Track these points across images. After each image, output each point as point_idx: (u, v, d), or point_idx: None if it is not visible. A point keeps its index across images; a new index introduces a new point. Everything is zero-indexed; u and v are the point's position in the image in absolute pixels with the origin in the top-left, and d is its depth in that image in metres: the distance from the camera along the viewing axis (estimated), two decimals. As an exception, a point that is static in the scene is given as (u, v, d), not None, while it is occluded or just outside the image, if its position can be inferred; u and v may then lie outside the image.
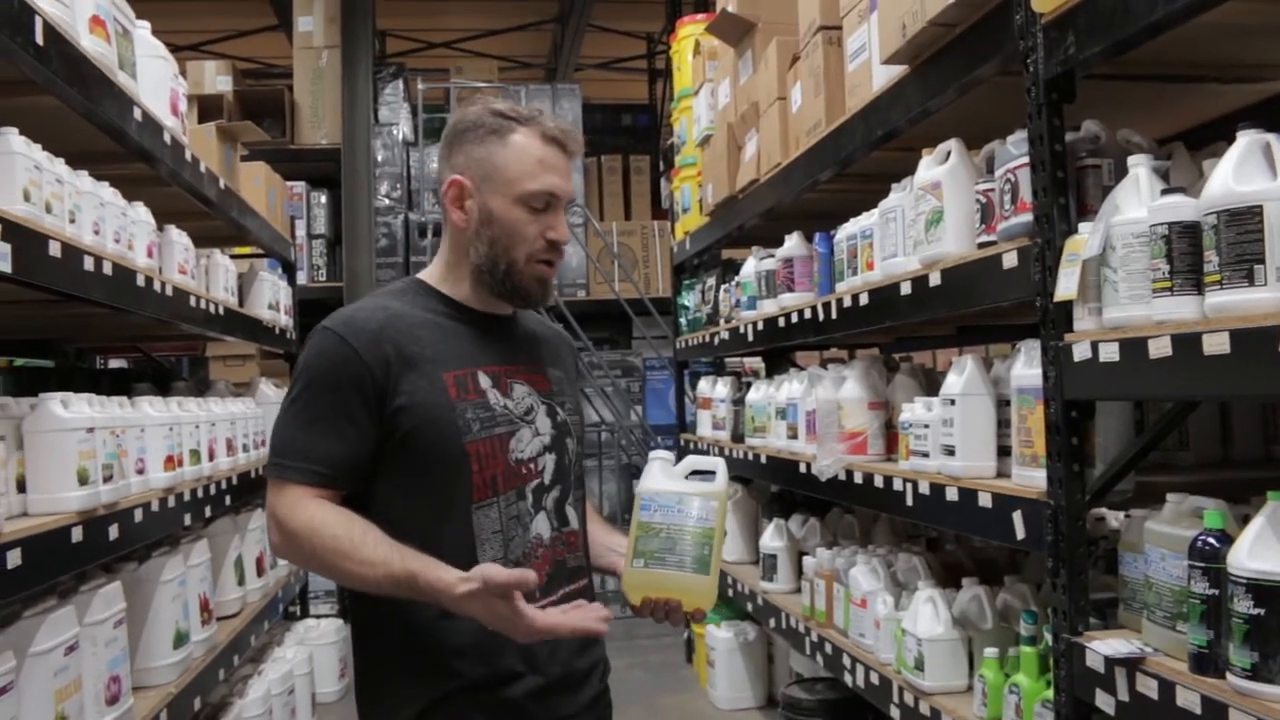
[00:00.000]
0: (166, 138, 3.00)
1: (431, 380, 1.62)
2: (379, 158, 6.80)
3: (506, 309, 1.79)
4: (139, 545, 2.79)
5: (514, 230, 1.68)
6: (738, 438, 4.54)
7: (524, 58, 10.23)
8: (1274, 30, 1.99)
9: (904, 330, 4.44)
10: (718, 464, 1.63)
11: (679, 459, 1.69)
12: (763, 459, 4.07)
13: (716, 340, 4.80)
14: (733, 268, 5.02)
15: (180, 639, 3.05)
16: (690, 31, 5.13)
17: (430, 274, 1.79)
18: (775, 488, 4.66)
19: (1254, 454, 2.52)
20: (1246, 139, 1.62)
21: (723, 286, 4.89)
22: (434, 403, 1.61)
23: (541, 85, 8.00)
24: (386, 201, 6.86)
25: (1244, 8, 1.75)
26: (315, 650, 4.71)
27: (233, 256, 4.09)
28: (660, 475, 1.63)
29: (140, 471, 2.82)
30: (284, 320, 4.74)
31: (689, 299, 5.72)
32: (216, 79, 6.04)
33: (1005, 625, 2.68)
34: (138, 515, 2.71)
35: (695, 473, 1.63)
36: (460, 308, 1.74)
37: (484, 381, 1.67)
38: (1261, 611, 1.54)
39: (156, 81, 3.05)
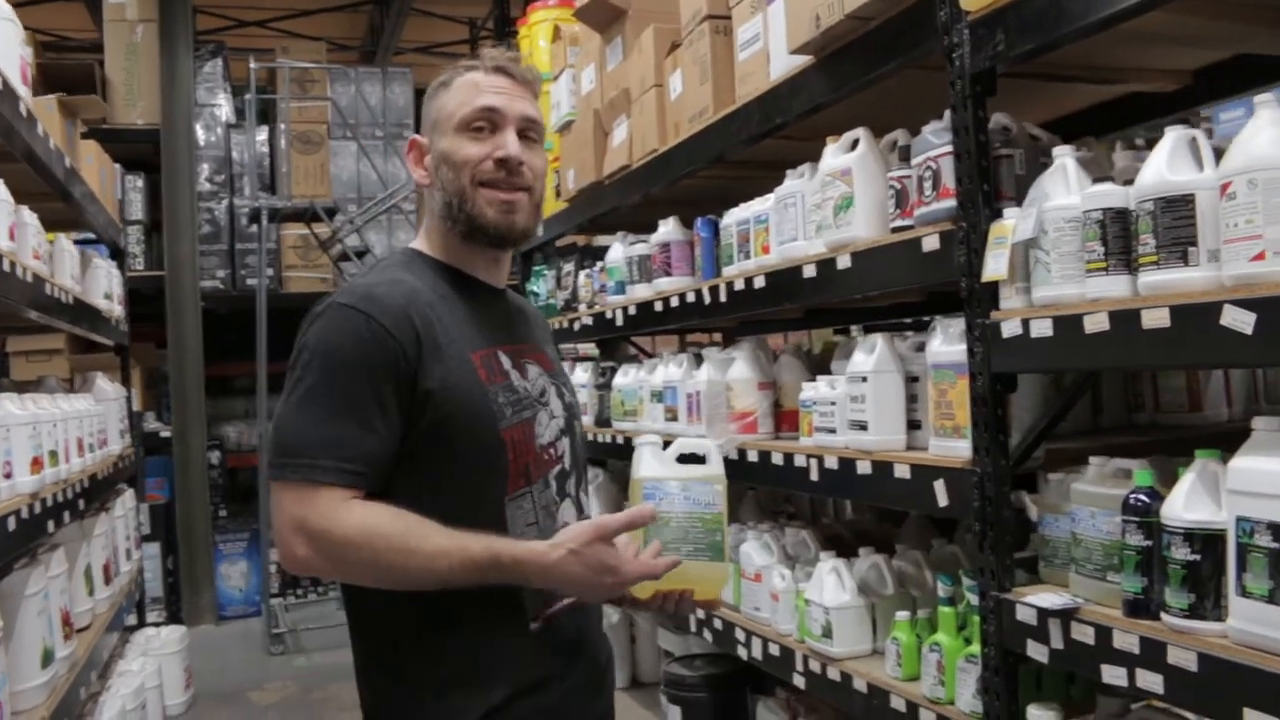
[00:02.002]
0: (22, 109, 2.75)
1: (461, 361, 1.52)
2: (200, 140, 6.42)
3: (499, 277, 1.71)
4: (10, 557, 2.57)
5: (459, 159, 1.61)
6: (603, 422, 4.57)
7: (340, 39, 9.87)
8: (1167, 37, 2.20)
9: (766, 315, 4.58)
10: (708, 446, 1.63)
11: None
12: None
13: (578, 326, 4.81)
14: (591, 253, 5.04)
15: (47, 657, 2.82)
16: (544, 16, 5.11)
17: (421, 244, 1.70)
18: (637, 471, 4.72)
19: (1119, 421, 2.77)
20: (1175, 134, 1.79)
21: (583, 272, 4.90)
22: (467, 386, 1.51)
23: (372, 69, 7.76)
24: (209, 186, 6.49)
25: (1165, 17, 1.92)
26: (162, 661, 4.44)
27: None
28: (655, 462, 1.59)
29: (8, 476, 2.60)
30: (118, 310, 4.43)
31: (539, 285, 5.69)
32: (19, 49, 5.53)
33: (903, 590, 2.84)
34: (10, 524, 2.50)
35: (684, 456, 1.63)
36: (463, 278, 1.65)
37: (505, 362, 1.60)
38: (1198, 557, 1.71)
39: (7, 46, 2.79)
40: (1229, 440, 1.84)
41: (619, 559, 1.42)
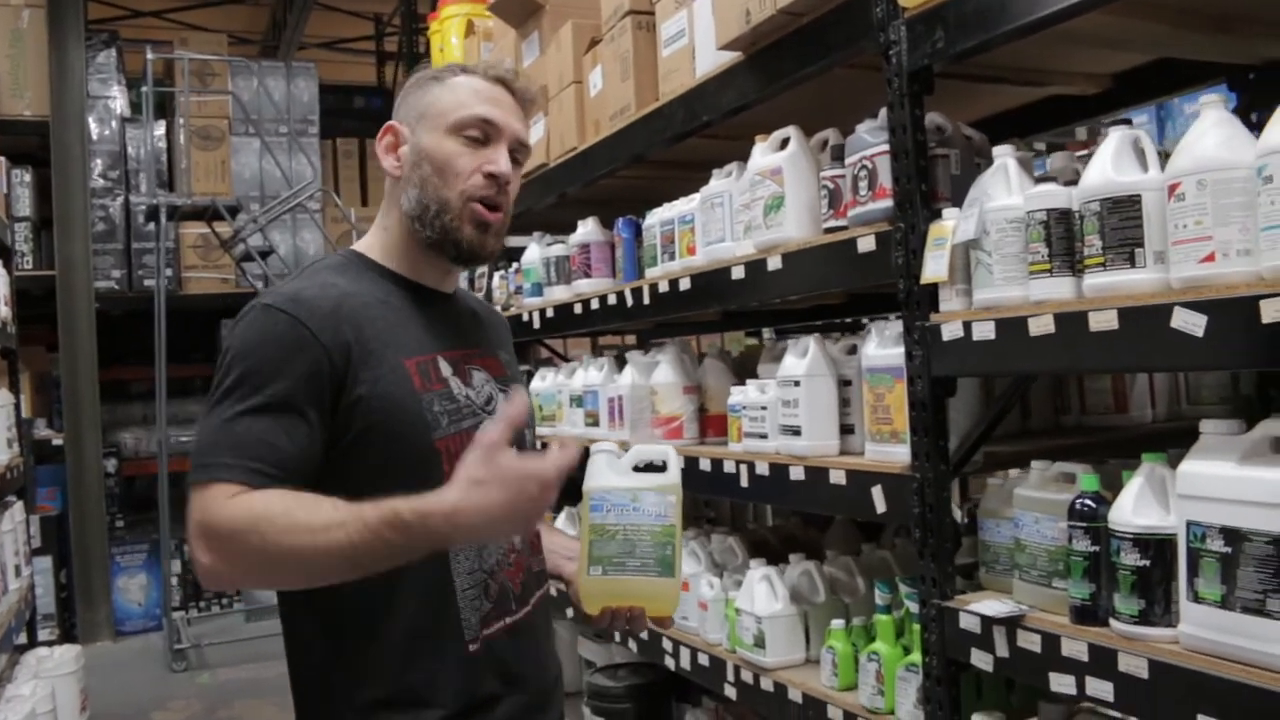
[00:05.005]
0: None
1: (393, 368, 1.44)
2: (93, 134, 6.11)
3: (449, 283, 1.63)
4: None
5: (445, 163, 1.51)
6: (520, 427, 4.46)
7: (240, 33, 9.52)
8: (1099, 39, 2.18)
9: (687, 317, 4.53)
10: (667, 453, 1.56)
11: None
12: (554, 448, 4.02)
13: (493, 329, 4.69)
14: (505, 254, 4.92)
15: (-75, 688, 2.61)
16: (455, 11, 4.96)
17: (367, 244, 1.60)
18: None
19: (1048, 424, 2.77)
20: (1118, 134, 1.76)
21: (497, 273, 4.78)
22: (399, 393, 1.43)
23: (276, 62, 7.48)
24: (103, 182, 6.18)
25: (1102, 18, 1.89)
26: (56, 683, 4.18)
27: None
28: (607, 470, 1.52)
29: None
30: (4, 311, 4.16)
31: (451, 287, 5.56)
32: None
33: (835, 597, 2.80)
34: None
35: (641, 464, 1.55)
36: (407, 284, 1.56)
37: (445, 369, 1.51)
38: (1148, 562, 1.69)
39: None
40: (1155, 441, 1.86)
41: (523, 461, 1.29)
